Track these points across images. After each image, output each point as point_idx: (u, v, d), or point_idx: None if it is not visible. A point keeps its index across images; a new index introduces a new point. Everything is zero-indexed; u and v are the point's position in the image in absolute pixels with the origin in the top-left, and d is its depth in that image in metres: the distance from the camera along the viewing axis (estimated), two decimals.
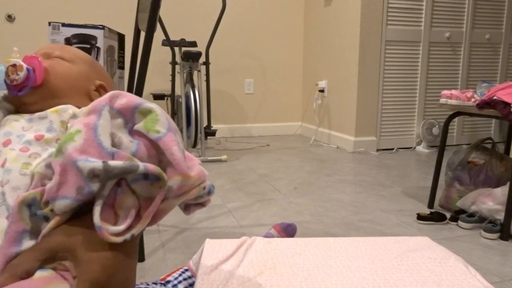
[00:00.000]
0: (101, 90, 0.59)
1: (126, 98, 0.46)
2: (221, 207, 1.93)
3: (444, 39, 3.35)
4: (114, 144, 0.43)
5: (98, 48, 1.35)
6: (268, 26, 3.86)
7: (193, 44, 3.07)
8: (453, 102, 1.79)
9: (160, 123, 0.45)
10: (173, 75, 3.18)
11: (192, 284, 0.90)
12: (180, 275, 0.93)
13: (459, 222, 1.70)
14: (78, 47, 1.38)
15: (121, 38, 1.58)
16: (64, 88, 0.54)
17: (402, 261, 0.82)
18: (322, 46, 3.67)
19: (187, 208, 0.52)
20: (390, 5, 3.16)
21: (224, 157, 2.88)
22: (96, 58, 1.40)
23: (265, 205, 1.98)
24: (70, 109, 0.51)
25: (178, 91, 3.11)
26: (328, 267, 0.81)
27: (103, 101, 0.45)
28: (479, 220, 1.67)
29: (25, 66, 0.51)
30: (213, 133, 3.22)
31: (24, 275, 0.37)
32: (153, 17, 1.27)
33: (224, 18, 3.10)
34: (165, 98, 3.21)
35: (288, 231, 1.30)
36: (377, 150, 3.26)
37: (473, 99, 1.75)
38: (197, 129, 2.83)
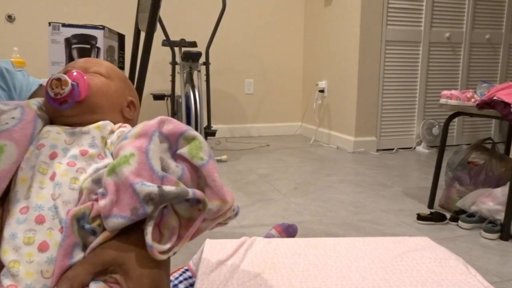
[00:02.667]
0: (131, 106, 0.60)
1: (173, 124, 0.49)
2: None
3: (444, 39, 3.35)
4: (162, 168, 0.46)
5: (98, 48, 1.35)
6: (268, 26, 3.86)
7: (193, 44, 3.07)
8: (453, 102, 1.79)
9: (203, 150, 0.48)
10: (173, 75, 3.18)
11: (192, 284, 0.90)
12: (180, 275, 0.93)
13: (459, 222, 1.70)
14: (78, 47, 1.39)
15: (121, 38, 1.58)
16: (102, 104, 0.55)
17: (402, 261, 0.82)
18: (322, 46, 3.68)
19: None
20: (390, 5, 3.16)
21: (224, 157, 2.88)
22: (96, 58, 1.41)
23: (265, 205, 1.98)
24: (109, 125, 0.53)
25: (178, 91, 3.11)
26: (328, 267, 0.81)
27: (153, 126, 0.48)
28: (479, 220, 1.67)
29: (70, 81, 0.52)
30: (213, 133, 3.22)
31: (80, 287, 0.40)
32: (153, 17, 1.27)
33: (224, 18, 3.09)
34: (165, 98, 3.21)
35: (289, 231, 1.30)
36: (377, 150, 3.26)
37: (473, 99, 1.75)
38: (197, 129, 2.83)
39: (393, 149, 3.31)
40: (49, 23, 1.36)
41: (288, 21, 3.94)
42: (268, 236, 1.32)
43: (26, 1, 3.16)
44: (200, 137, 0.49)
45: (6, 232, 0.43)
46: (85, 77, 0.54)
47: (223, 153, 3.05)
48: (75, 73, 0.53)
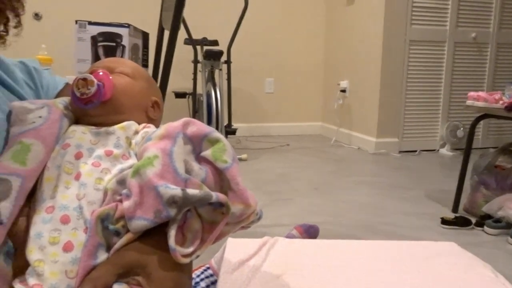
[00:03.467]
0: (155, 106, 0.60)
1: (196, 126, 0.48)
2: None
3: (470, 39, 3.27)
4: (186, 170, 0.46)
5: (124, 47, 1.37)
6: (290, 25, 3.85)
7: (215, 43, 3.08)
8: (480, 104, 1.74)
9: (227, 153, 0.48)
10: (195, 74, 3.19)
11: (214, 283, 0.90)
12: (202, 272, 0.94)
13: (485, 228, 1.65)
14: (103, 45, 1.41)
15: (145, 36, 1.60)
16: (127, 104, 0.55)
17: (427, 266, 0.80)
18: (344, 46, 3.64)
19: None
20: (414, 4, 3.11)
21: (244, 156, 2.88)
22: (121, 56, 1.42)
23: (284, 205, 1.97)
24: (133, 125, 0.53)
25: (200, 89, 3.13)
26: (350, 270, 0.80)
27: (178, 127, 0.47)
28: (506, 225, 1.62)
29: (96, 81, 0.52)
30: (233, 132, 3.23)
31: (103, 287, 0.40)
32: (177, 16, 1.28)
33: (245, 17, 3.09)
34: (187, 96, 3.23)
35: (310, 232, 1.29)
36: (399, 151, 3.21)
37: (501, 101, 1.70)
38: (217, 128, 2.84)
39: (415, 151, 3.25)
40: (76, 21, 1.38)
41: (310, 20, 3.91)
42: (289, 236, 1.31)
43: (53, 0, 3.23)
44: (224, 139, 0.48)
45: (32, 231, 0.43)
46: (110, 77, 0.54)
47: (243, 152, 3.05)
48: (101, 73, 0.53)
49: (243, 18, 3.06)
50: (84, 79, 0.52)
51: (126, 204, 0.43)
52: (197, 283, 0.91)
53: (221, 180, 0.48)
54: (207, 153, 0.47)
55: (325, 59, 4.00)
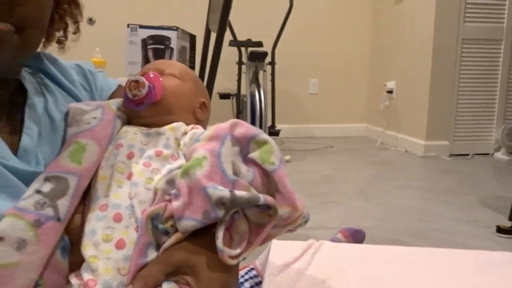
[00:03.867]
0: (203, 107, 0.61)
1: (244, 128, 0.49)
2: None
3: None
4: (233, 172, 0.46)
5: (172, 49, 1.40)
6: (335, 25, 3.79)
7: (259, 44, 3.09)
8: None
9: (275, 155, 0.47)
10: (239, 75, 3.23)
11: (258, 284, 0.90)
12: (246, 273, 0.94)
13: None
14: (153, 48, 1.46)
15: (192, 39, 1.64)
16: (176, 105, 0.56)
17: (484, 277, 0.76)
18: (392, 46, 3.53)
19: None
20: (468, 1, 2.96)
21: (287, 157, 2.87)
22: (170, 59, 1.47)
23: (328, 207, 1.94)
24: (182, 126, 0.54)
25: (244, 90, 3.16)
26: (398, 277, 0.77)
27: (226, 129, 0.48)
28: None
29: (147, 83, 0.53)
30: (276, 133, 3.23)
31: (153, 286, 0.41)
32: (224, 18, 1.29)
33: (290, 17, 3.08)
34: (231, 97, 3.27)
35: (356, 237, 1.26)
36: (450, 155, 3.07)
37: None
38: (261, 129, 2.85)
39: (468, 154, 3.09)
40: (128, 25, 1.44)
41: (356, 19, 3.83)
42: (334, 240, 1.29)
43: (106, 5, 3.38)
44: (271, 141, 0.48)
45: (87, 228, 0.45)
46: (160, 79, 0.56)
47: (286, 153, 3.04)
48: (151, 75, 0.55)
49: (287, 18, 3.05)
50: (136, 81, 0.53)
51: (175, 204, 0.44)
52: (241, 283, 0.91)
53: (269, 182, 0.48)
54: (255, 155, 0.47)
55: (371, 60, 3.90)
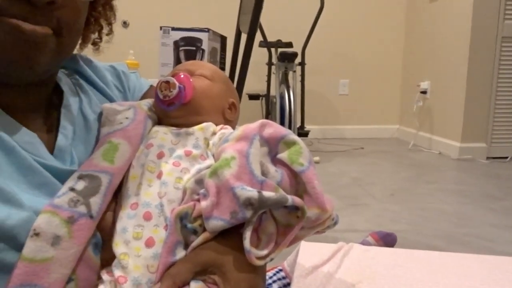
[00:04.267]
0: (232, 107, 0.61)
1: (273, 128, 0.49)
2: None
3: None
4: (262, 173, 0.46)
5: (203, 50, 1.42)
6: (367, 24, 3.72)
7: (289, 45, 3.08)
8: None
9: (303, 156, 0.47)
10: (268, 76, 3.23)
11: (286, 285, 0.90)
12: (274, 274, 0.94)
13: None
14: (185, 50, 1.48)
15: (223, 40, 1.65)
16: (206, 106, 0.56)
17: None
18: (426, 45, 3.44)
19: None
20: None
21: (316, 158, 2.85)
22: (201, 60, 1.48)
23: (358, 210, 1.91)
24: (211, 127, 0.55)
25: (273, 91, 3.15)
26: (433, 284, 0.75)
27: (254, 129, 0.48)
28: None
29: (177, 84, 0.54)
30: (305, 134, 3.21)
31: (181, 284, 0.42)
32: (255, 19, 1.30)
33: (320, 17, 3.06)
34: (260, 98, 3.27)
35: (387, 240, 1.23)
36: (487, 158, 2.95)
37: None
38: (290, 129, 2.83)
39: (506, 157, 2.96)
40: (160, 27, 1.46)
41: (388, 18, 3.75)
42: (364, 243, 1.26)
43: (139, 8, 3.46)
44: (300, 142, 0.48)
45: (118, 226, 0.45)
46: (191, 80, 0.56)
47: (315, 154, 3.02)
48: (182, 76, 0.55)
49: (318, 19, 3.02)
50: (167, 82, 0.54)
51: (204, 204, 0.44)
52: (269, 284, 0.91)
53: (297, 183, 0.47)
54: (283, 155, 0.47)
55: (404, 59, 3.81)
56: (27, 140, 0.44)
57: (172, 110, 0.54)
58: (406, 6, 3.75)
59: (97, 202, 0.44)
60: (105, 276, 0.44)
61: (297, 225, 0.44)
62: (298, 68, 3.16)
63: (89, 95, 0.56)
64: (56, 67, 0.51)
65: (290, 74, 2.99)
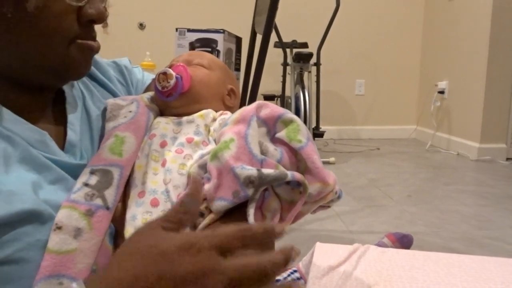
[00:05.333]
0: (231, 94, 0.63)
1: (270, 108, 0.49)
2: (328, 210, 1.89)
3: None
4: (261, 152, 0.47)
5: (218, 51, 1.42)
6: (383, 23, 3.68)
7: (304, 45, 3.07)
8: None
9: (301, 133, 0.48)
10: (284, 76, 3.22)
11: (301, 286, 0.89)
12: (289, 275, 0.93)
13: None
14: (200, 51, 1.48)
15: (238, 41, 1.65)
16: (204, 94, 0.58)
17: None
18: (445, 44, 3.38)
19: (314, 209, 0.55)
20: None
21: (332, 159, 2.83)
22: None
23: (375, 211, 1.89)
24: (211, 113, 0.56)
25: (288, 92, 3.15)
26: (451, 287, 0.74)
27: (251, 111, 0.49)
28: None
29: (174, 74, 0.55)
30: (321, 135, 3.19)
31: None
32: (270, 20, 1.30)
33: (336, 17, 3.04)
34: (275, 99, 3.27)
35: (403, 242, 1.22)
36: (507, 159, 2.89)
37: None
38: None
39: None
40: (176, 29, 1.47)
41: (405, 18, 3.71)
42: (380, 244, 1.25)
43: (155, 10, 3.50)
44: (297, 119, 0.48)
45: (128, 214, 0.47)
46: (188, 70, 0.58)
47: (331, 155, 3.00)
48: (178, 66, 0.57)
49: (334, 18, 3.01)
50: (164, 73, 0.56)
51: (207, 186, 0.45)
52: None
53: (298, 161, 0.48)
54: (282, 134, 0.48)
55: (422, 59, 3.76)
56: (37, 139, 0.46)
57: (172, 100, 0.56)
58: (424, 4, 3.70)
59: (111, 194, 0.46)
60: None
61: (300, 200, 0.45)
62: (314, 69, 3.15)
63: (92, 91, 0.58)
64: None
65: (305, 74, 2.98)
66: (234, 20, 2.90)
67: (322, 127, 3.33)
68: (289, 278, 0.94)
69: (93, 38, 0.48)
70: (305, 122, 2.79)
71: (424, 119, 3.68)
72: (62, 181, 0.45)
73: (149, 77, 0.71)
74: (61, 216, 0.42)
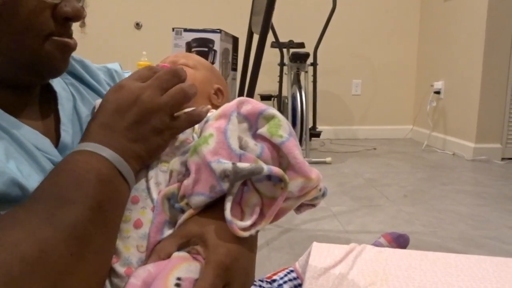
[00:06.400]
0: (218, 93, 0.64)
1: (251, 105, 0.50)
2: (325, 210, 1.90)
3: None
4: (241, 147, 0.47)
5: (215, 51, 1.42)
6: (380, 24, 3.69)
7: (301, 45, 3.07)
8: None
9: (283, 128, 0.47)
10: (280, 76, 3.22)
11: (297, 286, 0.89)
12: (285, 275, 0.93)
13: None
14: (197, 51, 1.48)
15: (235, 40, 1.65)
16: None
17: None
18: (440, 45, 3.39)
19: (299, 208, 0.54)
20: None
21: (328, 159, 2.83)
22: (213, 61, 1.48)
23: (372, 211, 1.89)
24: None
25: (285, 92, 3.15)
26: (448, 286, 0.74)
27: (232, 107, 0.49)
28: None
29: None
30: (317, 135, 3.19)
31: (166, 257, 0.43)
32: (267, 20, 1.30)
33: (332, 17, 3.04)
34: (272, 98, 3.27)
35: (399, 241, 1.22)
36: (503, 159, 2.90)
37: None
38: (302, 130, 2.83)
39: None
40: (173, 29, 1.47)
41: (402, 18, 3.72)
42: (376, 244, 1.25)
43: (152, 10, 3.49)
44: (279, 115, 0.48)
45: None
46: None
47: (327, 155, 3.00)
48: (165, 67, 0.57)
49: (330, 19, 3.01)
50: None
51: (185, 182, 0.46)
52: (280, 285, 0.90)
53: (280, 157, 0.48)
54: (263, 130, 0.48)
55: (418, 59, 3.77)
56: (35, 139, 0.47)
57: None
58: (420, 5, 3.71)
59: None
60: None
61: (281, 196, 0.44)
62: (310, 69, 3.15)
63: (82, 93, 0.59)
64: None
65: (302, 74, 2.98)
66: (231, 20, 2.90)
67: (319, 127, 3.33)
68: (285, 278, 0.94)
69: (69, 36, 0.49)
70: (301, 122, 2.79)
71: (420, 119, 3.69)
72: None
73: None
74: None
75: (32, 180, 0.42)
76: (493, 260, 0.81)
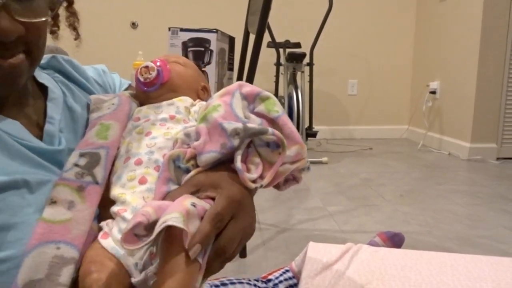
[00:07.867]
0: (204, 90, 0.69)
1: (250, 87, 0.56)
2: (321, 210, 1.90)
3: None
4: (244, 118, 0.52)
5: (211, 51, 1.42)
6: (376, 24, 3.70)
7: (297, 45, 3.07)
8: None
9: (278, 105, 0.54)
10: (277, 76, 3.22)
11: (292, 286, 0.89)
12: (281, 275, 0.93)
13: None
14: (193, 50, 1.48)
15: (231, 40, 1.65)
16: (181, 85, 0.64)
17: None
18: (436, 45, 3.41)
19: (284, 183, 0.58)
20: None
21: (324, 159, 2.84)
22: (209, 61, 1.48)
23: (368, 211, 1.90)
24: (189, 99, 0.62)
25: (281, 91, 3.15)
26: (443, 286, 0.74)
27: (234, 87, 0.55)
28: None
29: (156, 67, 0.62)
30: (314, 134, 3.20)
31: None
32: (263, 19, 1.29)
33: (329, 17, 3.05)
34: None
35: (394, 241, 1.22)
36: (498, 158, 2.92)
37: None
38: (298, 130, 2.83)
39: None
40: (169, 28, 1.46)
41: (398, 18, 3.73)
42: (372, 243, 1.25)
43: (148, 10, 3.48)
44: (273, 96, 0.55)
45: (113, 177, 0.51)
46: (166, 63, 0.64)
47: (323, 154, 3.01)
48: (158, 62, 0.63)
49: (327, 19, 3.01)
50: (146, 67, 0.62)
51: (196, 143, 0.49)
52: (275, 285, 0.90)
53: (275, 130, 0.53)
54: (261, 107, 0.53)
55: (414, 59, 3.78)
56: (11, 128, 0.48)
57: (152, 90, 0.62)
58: (416, 5, 3.73)
59: (100, 171, 0.50)
60: (103, 224, 0.48)
61: (279, 160, 0.49)
62: (307, 69, 3.15)
63: (71, 89, 0.61)
64: (31, 73, 0.54)
65: (298, 74, 2.99)
66: (227, 20, 2.89)
67: (315, 127, 3.34)
68: (281, 278, 0.94)
69: (4, 56, 0.45)
70: (298, 122, 2.79)
71: (416, 119, 3.70)
72: (40, 165, 0.48)
73: (126, 82, 0.76)
74: (55, 192, 0.46)
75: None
76: (488, 259, 0.82)
